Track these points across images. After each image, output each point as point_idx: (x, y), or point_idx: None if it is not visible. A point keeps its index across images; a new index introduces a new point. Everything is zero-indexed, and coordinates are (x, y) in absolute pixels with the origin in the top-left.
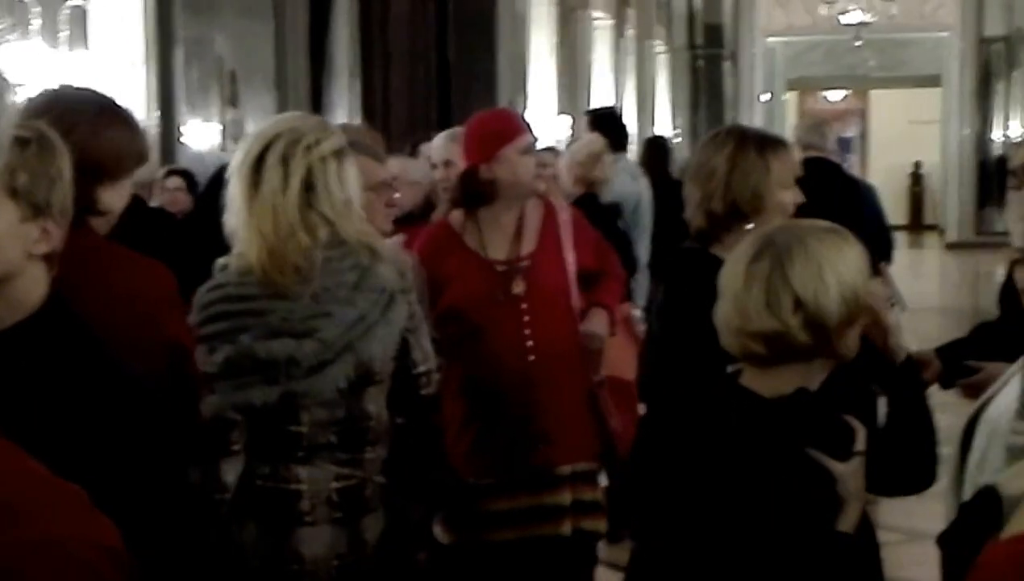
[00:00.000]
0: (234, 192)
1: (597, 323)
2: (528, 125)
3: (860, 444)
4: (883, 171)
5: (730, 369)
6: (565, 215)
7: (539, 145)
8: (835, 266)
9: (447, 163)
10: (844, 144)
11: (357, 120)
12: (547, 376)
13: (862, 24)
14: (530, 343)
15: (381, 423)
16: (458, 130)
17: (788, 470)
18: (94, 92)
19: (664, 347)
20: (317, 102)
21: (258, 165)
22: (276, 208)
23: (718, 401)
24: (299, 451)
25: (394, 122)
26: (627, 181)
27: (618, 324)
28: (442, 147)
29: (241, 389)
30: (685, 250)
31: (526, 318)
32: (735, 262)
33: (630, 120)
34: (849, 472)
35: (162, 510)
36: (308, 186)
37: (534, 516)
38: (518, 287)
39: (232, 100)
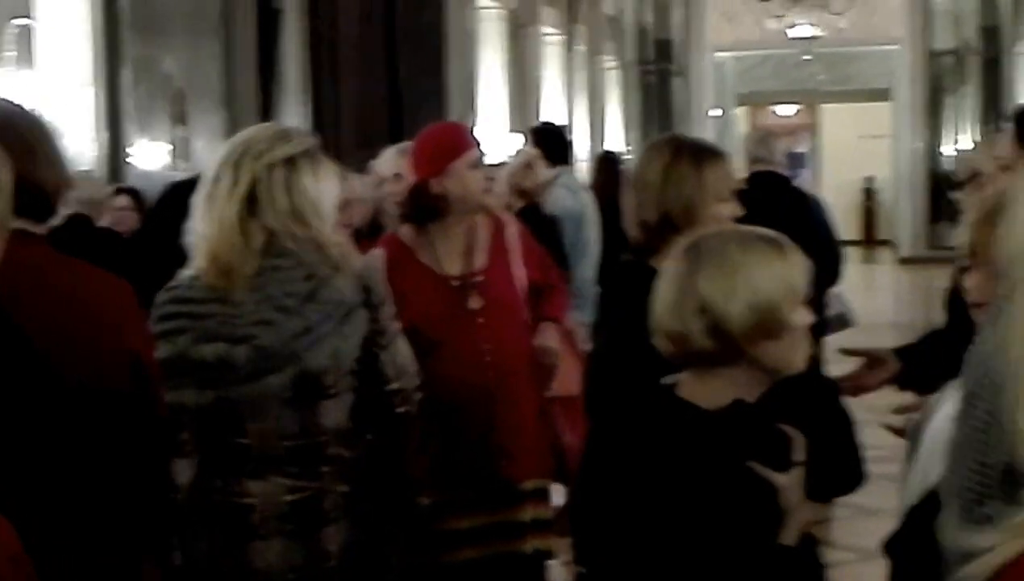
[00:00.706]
0: (195, 200)
1: (550, 337)
2: (477, 139)
3: (799, 454)
4: (835, 186)
5: (668, 380)
6: (512, 229)
7: (487, 161)
8: (750, 275)
9: (396, 177)
10: (796, 159)
11: None
12: (505, 391)
13: (811, 38)
14: (488, 358)
15: (340, 436)
16: (407, 144)
17: (728, 483)
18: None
19: (603, 361)
20: (267, 119)
21: (216, 175)
22: (221, 215)
23: (657, 414)
24: (249, 464)
25: (344, 138)
26: (566, 196)
27: (563, 339)
28: (390, 161)
29: (174, 389)
30: (622, 263)
31: (483, 333)
32: (666, 264)
33: (581, 136)
34: (790, 483)
35: (108, 511)
36: (251, 194)
37: (495, 534)
38: (475, 302)
39: (180, 119)
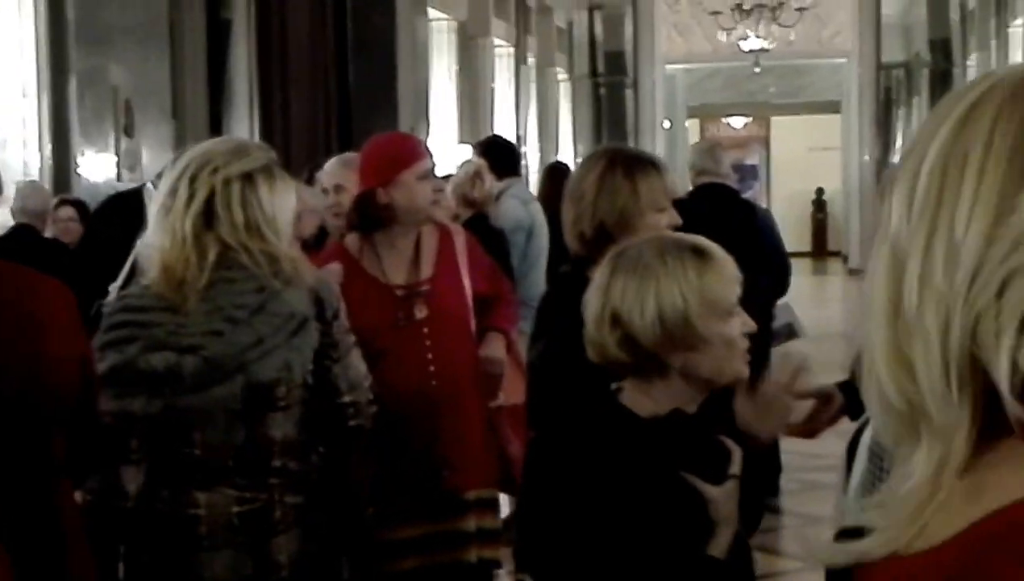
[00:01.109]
0: (150, 212)
1: (495, 348)
2: (427, 150)
3: (735, 467)
4: (786, 198)
5: (614, 387)
6: (461, 240)
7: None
8: (660, 287)
9: (337, 188)
10: (747, 171)
11: None
12: (450, 401)
13: (761, 51)
14: (432, 368)
15: (289, 448)
16: (350, 155)
17: (660, 492)
18: None
19: (542, 371)
20: (216, 130)
21: (172, 187)
22: (175, 227)
23: (596, 422)
24: (197, 474)
25: (294, 149)
26: (517, 206)
27: (510, 350)
28: (333, 172)
29: (120, 398)
30: (560, 274)
31: (428, 342)
32: (596, 274)
33: (532, 148)
34: (722, 496)
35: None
36: (208, 207)
37: (439, 543)
38: (421, 312)
39: (127, 130)
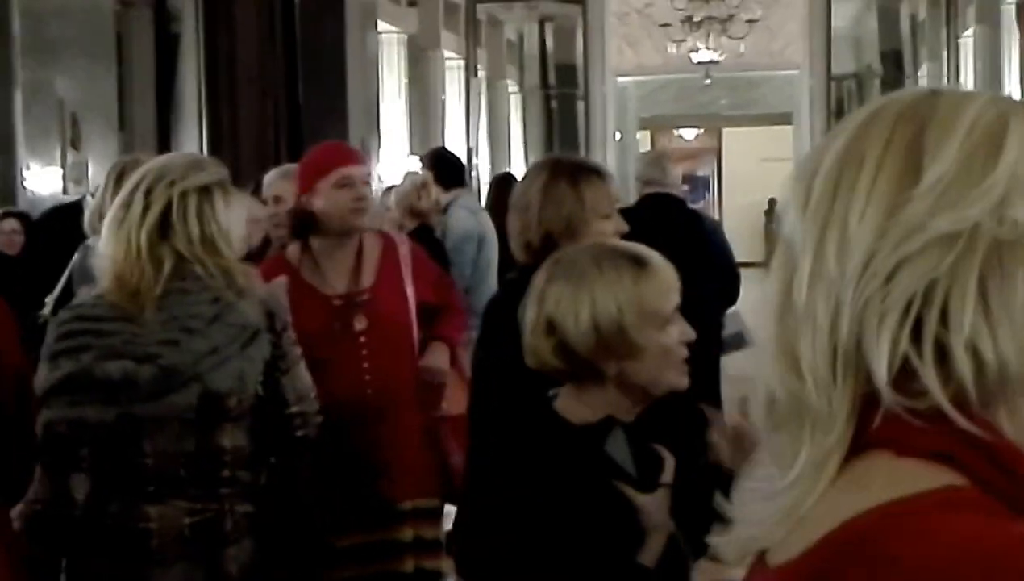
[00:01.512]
0: (104, 224)
1: (437, 357)
2: (355, 158)
3: (667, 476)
4: (738, 209)
5: (551, 393)
6: (404, 249)
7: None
8: (594, 295)
9: (277, 199)
10: (700, 182)
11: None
12: (386, 411)
13: (711, 63)
14: (368, 378)
15: (240, 458)
16: (289, 167)
17: (589, 499)
18: None
19: (484, 380)
20: (164, 141)
21: (127, 200)
22: (130, 238)
23: (530, 429)
24: (148, 486)
25: (243, 161)
26: (467, 217)
27: (457, 360)
28: (272, 183)
29: (75, 405)
30: (505, 281)
31: (365, 352)
32: (534, 280)
33: (484, 160)
34: (652, 504)
35: None
36: (164, 219)
37: (374, 553)
38: (359, 322)
39: (74, 143)
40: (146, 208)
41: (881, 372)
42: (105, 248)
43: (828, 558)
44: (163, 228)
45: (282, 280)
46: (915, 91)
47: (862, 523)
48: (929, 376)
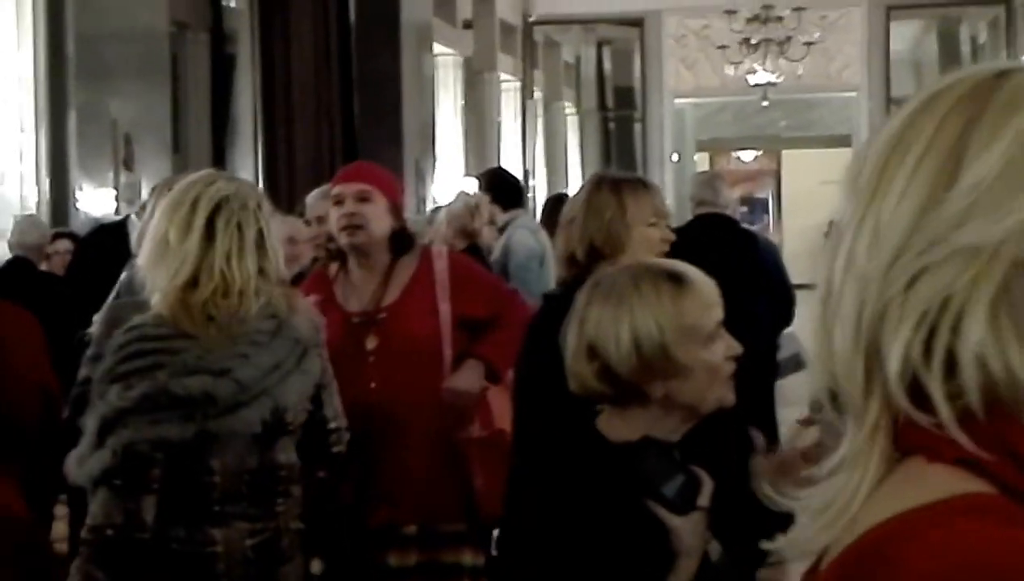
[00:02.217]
0: (155, 241)
1: (465, 378)
2: (352, 174)
3: (704, 499)
4: (798, 231)
5: (597, 407)
6: (442, 263)
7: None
8: (634, 317)
9: (319, 219)
10: (759, 204)
11: (260, 181)
12: (391, 433)
13: (769, 84)
14: (374, 399)
15: (293, 473)
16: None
17: (623, 519)
18: None
19: (527, 398)
20: (219, 163)
21: (186, 219)
22: (187, 258)
23: (570, 448)
24: (214, 505)
25: (299, 184)
26: (527, 236)
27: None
28: (314, 205)
29: (155, 424)
30: (548, 296)
31: (373, 371)
32: (577, 300)
33: (540, 181)
34: (686, 527)
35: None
36: (223, 240)
37: (370, 577)
38: (371, 342)
39: (127, 163)
40: (207, 229)
41: (893, 376)
42: (163, 269)
43: (850, 564)
44: (220, 248)
45: (310, 299)
46: (981, 71)
47: (883, 530)
48: (934, 387)
